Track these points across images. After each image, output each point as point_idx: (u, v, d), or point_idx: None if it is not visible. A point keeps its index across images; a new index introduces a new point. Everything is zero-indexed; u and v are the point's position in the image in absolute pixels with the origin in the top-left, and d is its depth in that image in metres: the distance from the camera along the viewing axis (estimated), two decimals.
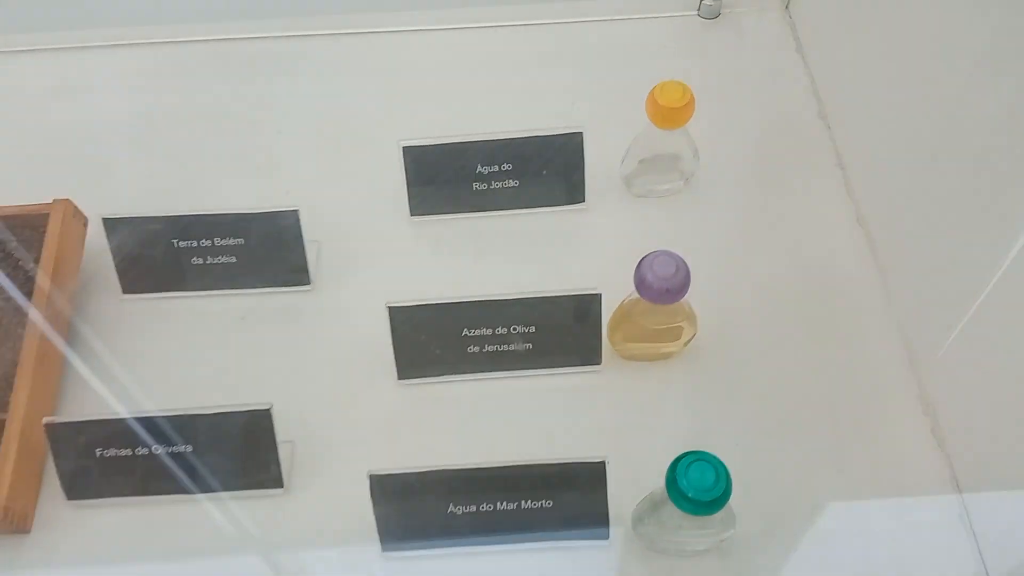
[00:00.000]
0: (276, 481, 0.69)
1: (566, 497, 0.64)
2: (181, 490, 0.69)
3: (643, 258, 0.67)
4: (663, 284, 0.65)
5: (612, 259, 0.82)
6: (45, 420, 0.66)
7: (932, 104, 0.72)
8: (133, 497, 0.69)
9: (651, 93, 0.77)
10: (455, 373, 0.75)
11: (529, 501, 0.64)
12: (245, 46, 0.99)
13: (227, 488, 0.69)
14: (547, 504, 0.64)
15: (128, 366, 0.77)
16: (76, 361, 0.77)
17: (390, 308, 0.71)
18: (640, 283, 0.66)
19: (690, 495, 0.55)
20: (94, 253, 0.82)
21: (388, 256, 0.84)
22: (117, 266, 0.79)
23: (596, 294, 0.71)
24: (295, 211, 0.77)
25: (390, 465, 0.64)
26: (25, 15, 1.04)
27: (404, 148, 0.81)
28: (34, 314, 0.73)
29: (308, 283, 0.81)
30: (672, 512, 0.58)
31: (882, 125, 0.81)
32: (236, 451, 0.68)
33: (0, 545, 0.68)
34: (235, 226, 0.78)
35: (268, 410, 0.67)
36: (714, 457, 0.56)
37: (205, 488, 0.69)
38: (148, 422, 0.66)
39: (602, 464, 0.62)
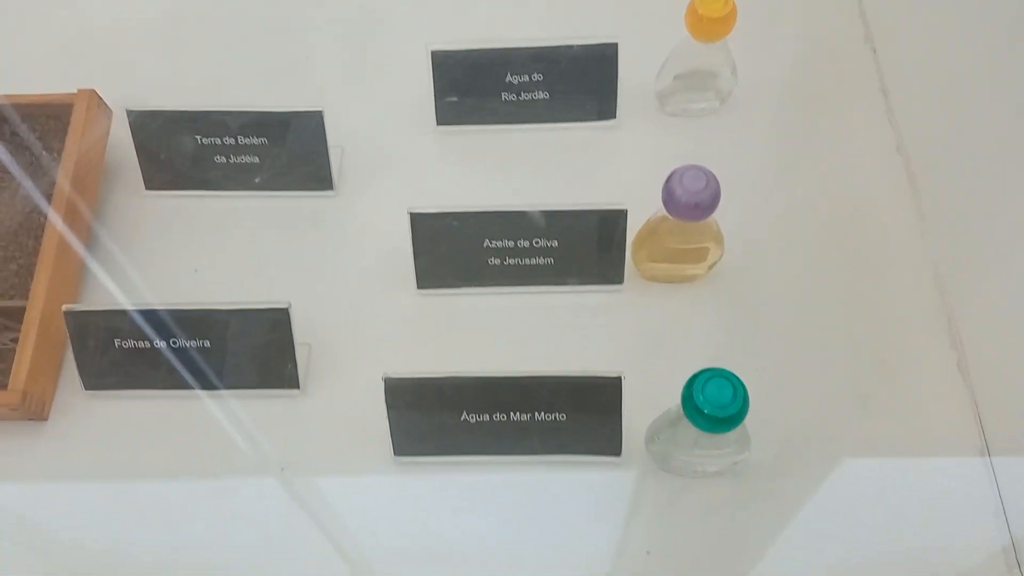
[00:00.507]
0: (292, 381, 0.69)
1: (580, 412, 0.63)
2: (197, 386, 0.69)
3: (672, 172, 0.65)
4: (691, 198, 0.63)
5: (641, 178, 0.80)
6: (65, 308, 0.67)
7: (981, 34, 0.68)
8: (149, 390, 0.70)
9: (691, 2, 0.73)
10: (474, 285, 0.74)
11: (543, 414, 0.63)
12: None
13: (243, 386, 0.69)
14: (560, 418, 0.63)
15: (148, 261, 0.77)
16: (97, 253, 0.77)
17: (412, 215, 0.70)
18: (668, 197, 0.64)
19: (706, 411, 0.54)
20: (118, 147, 0.81)
21: (412, 165, 0.82)
22: (140, 161, 0.78)
23: (622, 210, 0.69)
24: (319, 112, 0.76)
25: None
26: None
27: (432, 52, 0.79)
28: (56, 203, 0.73)
29: (331, 188, 0.80)
30: (687, 430, 0.57)
31: (929, 53, 0.78)
32: (253, 349, 0.68)
33: (17, 431, 0.69)
34: (259, 124, 0.77)
35: (287, 309, 0.66)
36: (732, 374, 0.55)
37: (221, 385, 0.69)
38: (168, 315, 0.66)
39: (618, 380, 0.62)
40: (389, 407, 0.63)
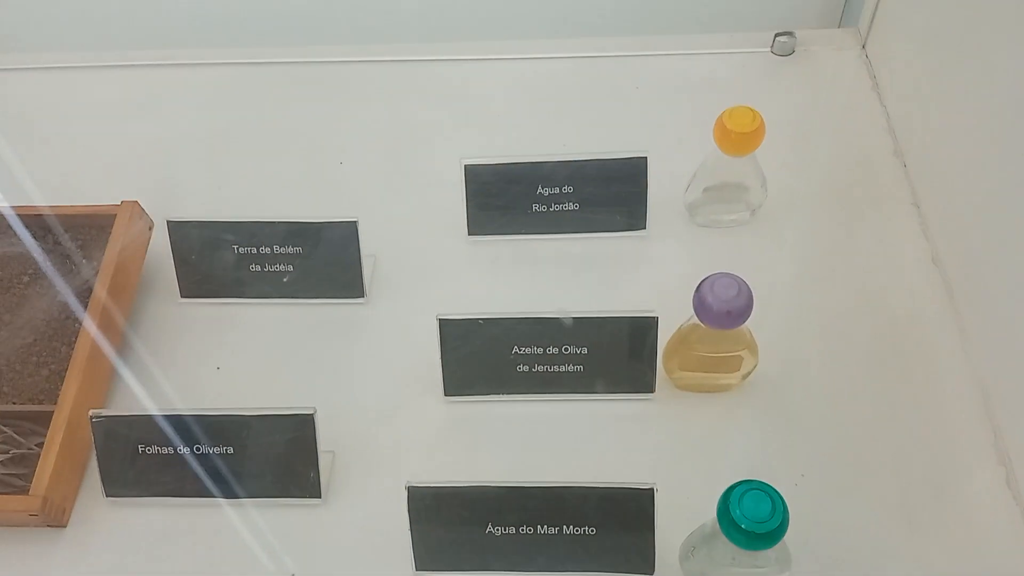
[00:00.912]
0: (314, 490, 0.68)
1: (611, 525, 0.60)
2: (218, 494, 0.68)
3: (703, 280, 0.64)
4: (724, 306, 0.62)
5: (671, 289, 0.79)
6: (91, 413, 0.66)
7: (1010, 147, 0.68)
8: (170, 498, 0.68)
9: (719, 118, 0.75)
10: (502, 393, 0.73)
11: (572, 527, 0.61)
12: (312, 69, 1.00)
13: (264, 495, 0.68)
14: (590, 531, 0.61)
15: (178, 368, 0.78)
16: (128, 360, 0.77)
17: (440, 320, 0.70)
18: (699, 305, 0.64)
19: (743, 526, 0.52)
20: (158, 257, 0.83)
21: (443, 274, 0.83)
22: (177, 269, 0.80)
23: (653, 317, 0.69)
24: (354, 222, 0.77)
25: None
26: (102, 33, 1.09)
27: (466, 167, 0.81)
28: (91, 310, 0.74)
29: (362, 296, 0.80)
30: (724, 546, 0.55)
31: (960, 166, 0.78)
32: (277, 456, 0.67)
33: (35, 538, 0.68)
34: (294, 234, 0.78)
35: (311, 415, 0.66)
36: (771, 487, 0.53)
37: (242, 493, 0.68)
38: (192, 420, 0.66)
39: (650, 492, 0.59)
40: (412, 517, 0.61)
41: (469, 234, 0.84)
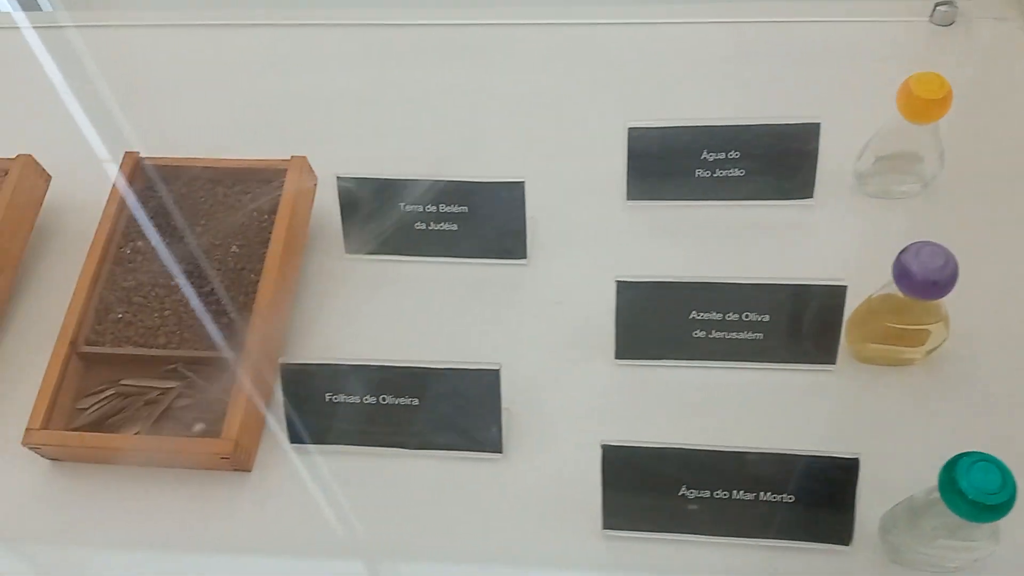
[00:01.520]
0: (495, 445, 0.68)
1: (810, 494, 0.60)
2: (401, 444, 0.69)
3: (905, 248, 0.63)
4: (929, 276, 0.61)
5: (838, 260, 0.78)
6: (281, 360, 0.68)
7: None
8: (352, 446, 0.69)
9: (905, 83, 0.73)
10: (675, 358, 0.72)
11: (769, 494, 0.60)
12: (456, 32, 1.00)
13: (446, 447, 0.69)
14: (788, 499, 0.60)
15: (344, 323, 0.79)
16: (298, 312, 0.79)
17: (618, 282, 0.69)
18: (902, 274, 0.62)
19: (971, 496, 0.51)
20: (317, 213, 0.84)
21: (601, 238, 0.82)
22: (344, 224, 0.80)
23: (842, 286, 0.67)
24: (521, 183, 0.77)
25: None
26: None
27: (629, 129, 0.80)
28: (269, 262, 0.75)
29: (524, 257, 0.80)
30: (930, 520, 0.54)
31: None
32: (460, 409, 0.67)
33: (221, 482, 0.70)
34: (462, 193, 0.78)
35: (497, 371, 0.66)
36: (998, 460, 0.52)
37: (425, 444, 0.69)
38: (378, 371, 0.67)
39: (855, 461, 0.59)
40: (604, 475, 0.61)
41: (628, 199, 0.83)
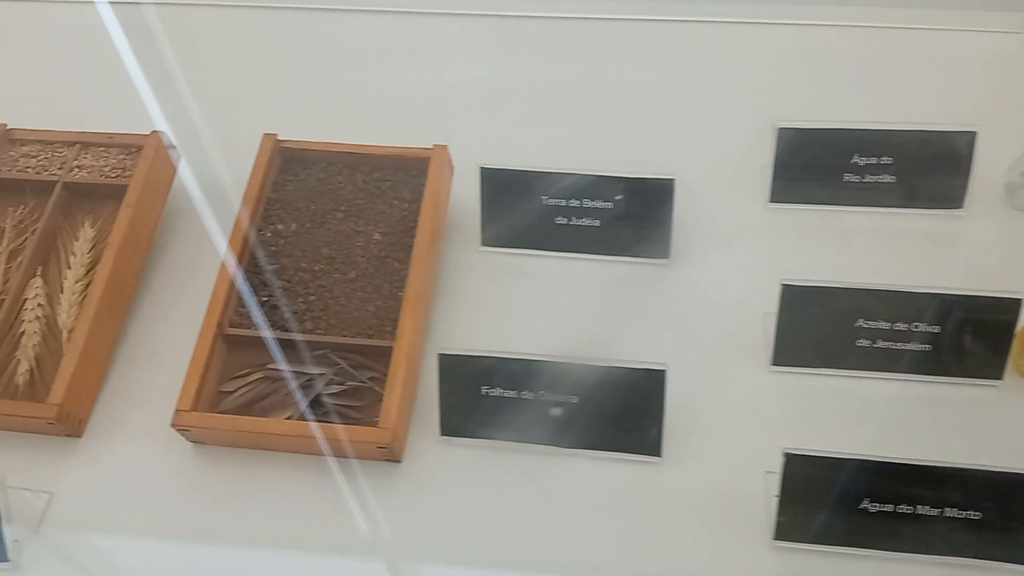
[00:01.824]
0: (654, 448, 0.66)
1: (999, 512, 0.58)
2: (556, 442, 0.67)
3: None
4: None
5: (986, 273, 0.77)
6: (440, 350, 0.66)
7: None
8: (505, 441, 0.68)
9: None
10: (835, 367, 0.70)
11: (955, 510, 0.58)
12: (598, 26, 0.98)
13: (603, 447, 0.67)
14: (974, 516, 0.58)
15: (483, 315, 0.77)
16: (436, 302, 0.77)
17: (783, 286, 0.68)
18: None
19: None
20: (452, 204, 0.83)
21: (743, 240, 0.81)
22: (483, 216, 0.79)
23: (1017, 299, 0.65)
24: (671, 180, 0.75)
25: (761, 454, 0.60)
26: None
27: (779, 129, 0.78)
28: (417, 251, 0.74)
29: (667, 256, 0.79)
30: None
31: None
32: (621, 410, 0.66)
33: (372, 472, 0.68)
34: (607, 188, 0.77)
35: (663, 371, 0.64)
36: None
37: (580, 443, 0.67)
38: (539, 366, 0.65)
39: None
40: (784, 484, 0.60)
41: (771, 201, 0.82)
